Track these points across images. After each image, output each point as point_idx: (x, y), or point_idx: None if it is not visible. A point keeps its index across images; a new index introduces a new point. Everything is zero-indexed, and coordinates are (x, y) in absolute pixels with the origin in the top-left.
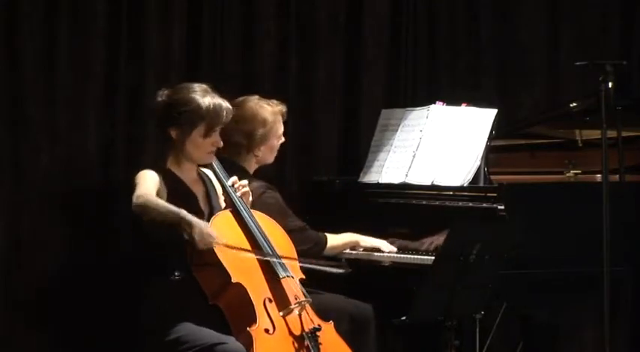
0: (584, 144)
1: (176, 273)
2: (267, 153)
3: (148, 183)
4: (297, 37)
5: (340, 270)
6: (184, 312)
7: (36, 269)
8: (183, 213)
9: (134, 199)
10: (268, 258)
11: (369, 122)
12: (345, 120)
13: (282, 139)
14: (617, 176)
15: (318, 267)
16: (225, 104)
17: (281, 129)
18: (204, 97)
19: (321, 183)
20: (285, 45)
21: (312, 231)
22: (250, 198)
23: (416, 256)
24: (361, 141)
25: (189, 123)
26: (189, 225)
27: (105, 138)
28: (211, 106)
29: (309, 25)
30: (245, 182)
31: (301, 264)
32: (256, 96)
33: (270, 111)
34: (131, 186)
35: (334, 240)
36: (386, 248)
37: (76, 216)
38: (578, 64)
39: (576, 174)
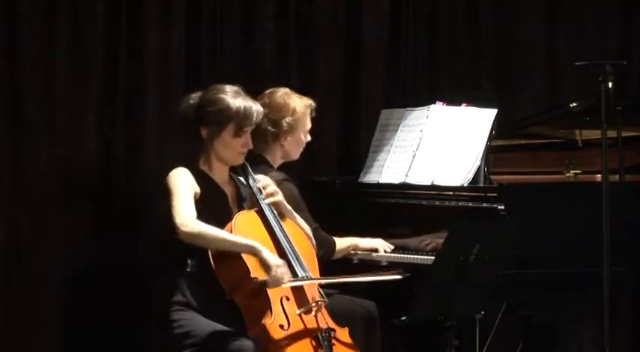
0: (584, 144)
1: (190, 265)
2: (292, 146)
3: (186, 196)
4: (297, 37)
5: (398, 276)
6: (197, 307)
7: (36, 269)
8: (257, 245)
9: (181, 225)
10: (327, 280)
11: (369, 122)
12: (345, 120)
13: (309, 138)
14: (617, 176)
15: (377, 278)
16: (256, 106)
17: (309, 124)
18: (235, 98)
19: (321, 183)
20: (285, 45)
21: (323, 232)
22: (280, 200)
23: (416, 256)
24: (361, 141)
25: (218, 122)
26: (266, 264)
27: (105, 138)
28: (241, 108)
29: (309, 25)
30: (274, 188)
31: (359, 279)
32: (287, 89)
33: (299, 102)
34: (163, 188)
35: (339, 243)
36: (384, 248)
37: (75, 216)
38: (578, 64)
39: (576, 174)
